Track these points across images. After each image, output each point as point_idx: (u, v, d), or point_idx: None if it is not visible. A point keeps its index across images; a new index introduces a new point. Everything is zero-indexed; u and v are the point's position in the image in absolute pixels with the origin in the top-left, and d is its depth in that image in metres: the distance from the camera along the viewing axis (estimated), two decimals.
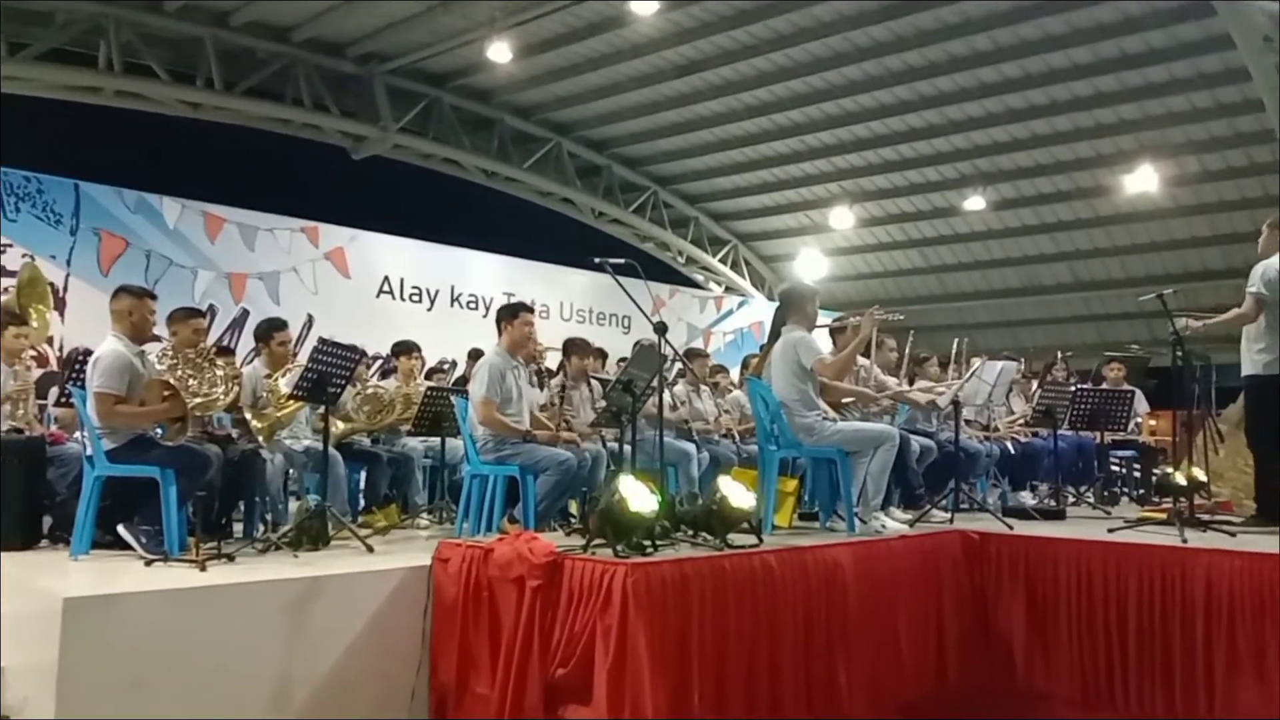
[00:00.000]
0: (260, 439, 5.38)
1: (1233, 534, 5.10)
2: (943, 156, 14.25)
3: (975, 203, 14.54)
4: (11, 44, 10.30)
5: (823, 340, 5.86)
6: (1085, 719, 4.73)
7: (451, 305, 11.52)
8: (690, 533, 4.34)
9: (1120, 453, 8.32)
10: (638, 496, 3.89)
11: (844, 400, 5.81)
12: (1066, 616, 4.87)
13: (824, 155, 14.89)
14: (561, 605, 3.90)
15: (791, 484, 5.45)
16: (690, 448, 6.78)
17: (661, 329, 4.56)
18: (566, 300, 12.79)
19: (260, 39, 11.87)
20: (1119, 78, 11.61)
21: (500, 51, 11.07)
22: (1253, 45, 9.15)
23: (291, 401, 5.36)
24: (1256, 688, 4.30)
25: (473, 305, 11.73)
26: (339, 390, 5.22)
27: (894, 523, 5.15)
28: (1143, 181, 12.82)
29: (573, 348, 6.66)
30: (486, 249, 12.40)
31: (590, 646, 3.72)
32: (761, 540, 4.42)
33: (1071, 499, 7.42)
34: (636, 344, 6.24)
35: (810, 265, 18.00)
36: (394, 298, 10.97)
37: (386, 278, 10.97)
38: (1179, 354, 5.42)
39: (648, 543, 4.00)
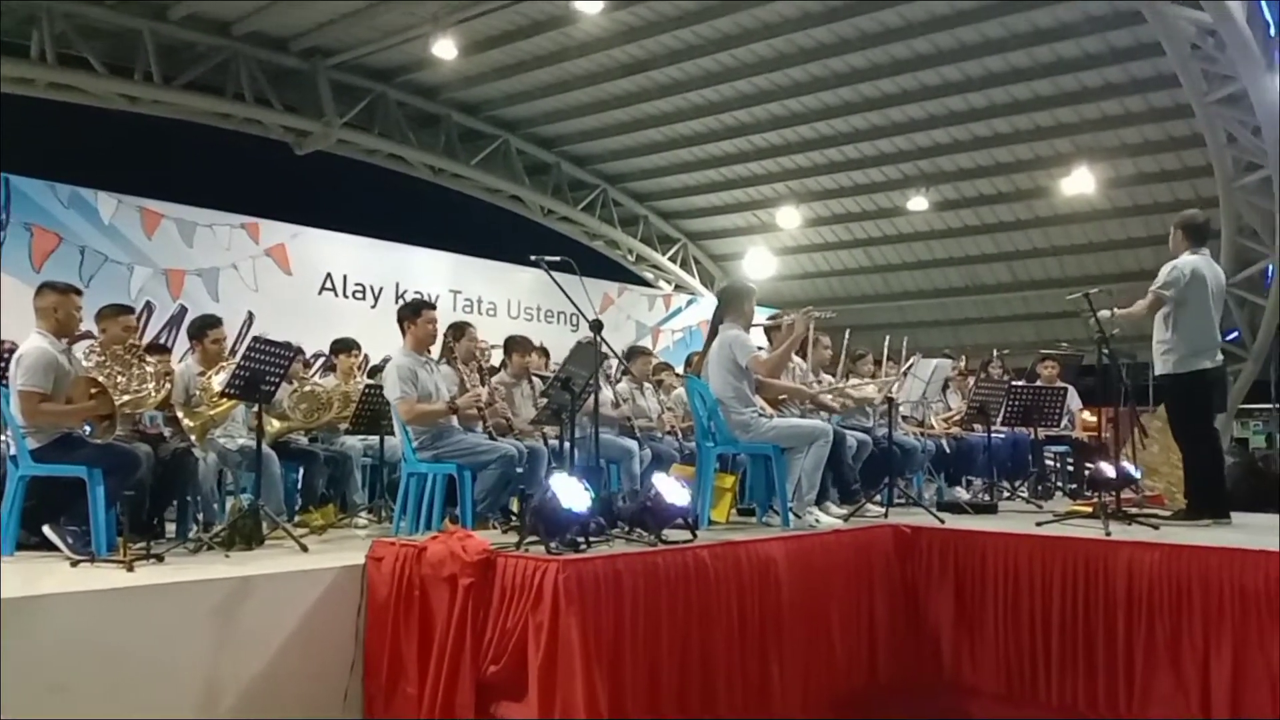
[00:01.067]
0: (193, 438, 5.31)
1: (1156, 527, 5.27)
2: (886, 158, 14.46)
3: (918, 203, 14.76)
4: None
5: (759, 338, 5.94)
6: (1009, 715, 4.84)
7: (396, 303, 11.37)
8: (626, 529, 4.37)
9: (1054, 448, 8.51)
10: (570, 494, 3.91)
11: (780, 397, 5.88)
12: (994, 610, 4.98)
13: (770, 155, 15.02)
14: (494, 603, 3.91)
15: (729, 480, 5.52)
16: (632, 445, 6.82)
17: (597, 327, 4.59)
18: (514, 298, 12.76)
19: (200, 32, 11.69)
20: (1054, 82, 11.87)
21: (445, 48, 11.01)
22: (1180, 51, 9.41)
23: (225, 400, 5.29)
24: (1173, 681, 4.43)
25: None
26: (273, 388, 5.17)
27: (828, 517, 5.23)
28: (1079, 184, 13.12)
29: (514, 345, 6.67)
30: (433, 246, 12.33)
31: (522, 644, 3.74)
32: (696, 536, 4.47)
33: (1006, 494, 7.60)
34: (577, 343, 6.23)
35: (758, 264, 18.13)
36: (337, 295, 10.86)
37: (329, 275, 10.85)
38: (1105, 352, 5.56)
39: (581, 540, 4.02)
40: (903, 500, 6.18)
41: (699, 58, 12.17)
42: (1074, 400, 8.70)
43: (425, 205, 14.53)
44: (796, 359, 5.99)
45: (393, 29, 11.59)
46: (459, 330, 6.03)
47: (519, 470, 5.38)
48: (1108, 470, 8.42)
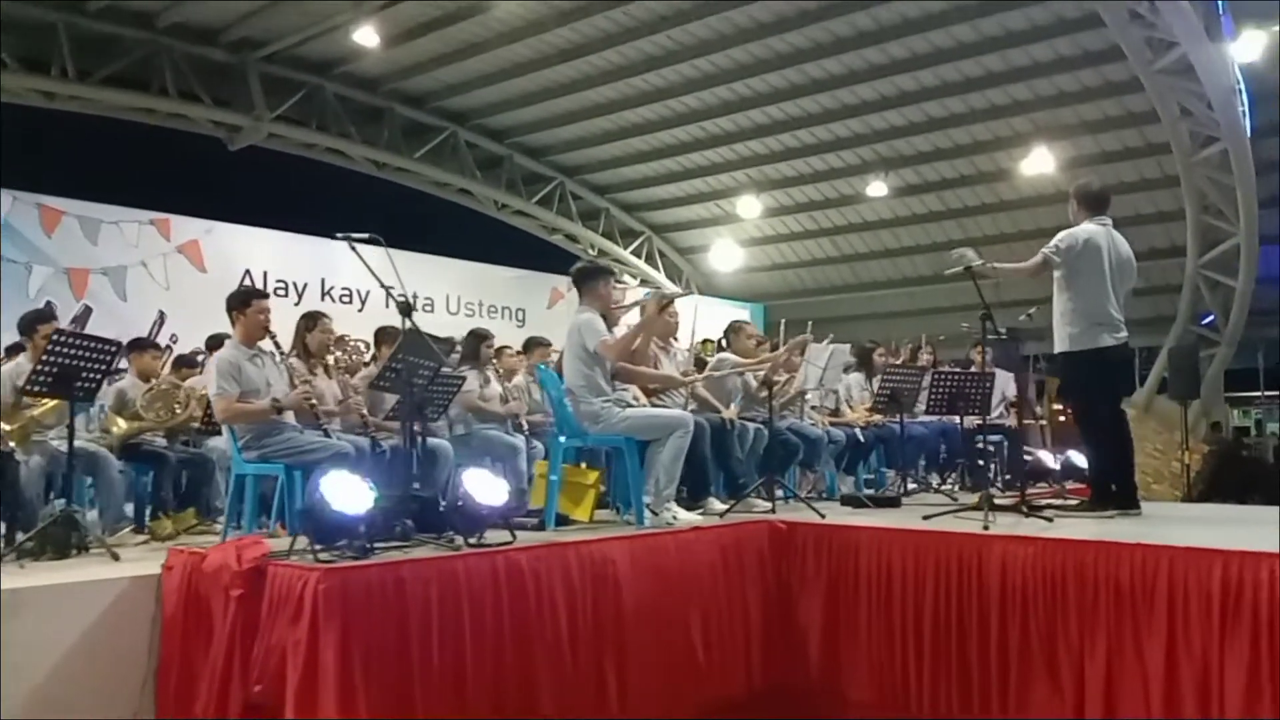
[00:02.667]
0: (12, 442, 4.94)
1: (1050, 520, 4.86)
2: (842, 142, 14.03)
3: (877, 188, 14.34)
4: None
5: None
6: None
7: (322, 299, 11.05)
8: (436, 534, 3.97)
9: (990, 437, 8.07)
10: (343, 495, 3.51)
11: (651, 386, 5.48)
12: (865, 611, 4.58)
13: (725, 142, 14.62)
14: (263, 616, 3.52)
15: (592, 476, 5.10)
16: (519, 441, 6.42)
17: (405, 309, 4.20)
18: (453, 293, 12.38)
19: (121, 25, 11.33)
20: (1004, 56, 11.44)
21: (367, 35, 10.64)
22: (1118, 18, 8.97)
23: (42, 399, 4.92)
24: (1048, 682, 4.04)
25: (346, 299, 11.27)
26: (92, 385, 4.78)
27: (687, 514, 4.82)
28: (1039, 163, 12.67)
29: (384, 337, 6.27)
30: (367, 242, 11.91)
31: (283, 662, 3.35)
32: (515, 537, 4.06)
33: (937, 484, 7.20)
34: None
35: (725, 256, 17.76)
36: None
37: (248, 271, 10.47)
38: (989, 326, 5.16)
39: (366, 546, 3.62)
40: (787, 495, 5.76)
41: (635, 40, 11.78)
42: (1009, 387, 8.27)
43: (366, 201, 14.14)
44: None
45: (317, 17, 11.20)
46: (311, 320, 5.63)
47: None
48: (1048, 460, 8.08)
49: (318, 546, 3.50)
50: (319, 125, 13.16)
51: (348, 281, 11.28)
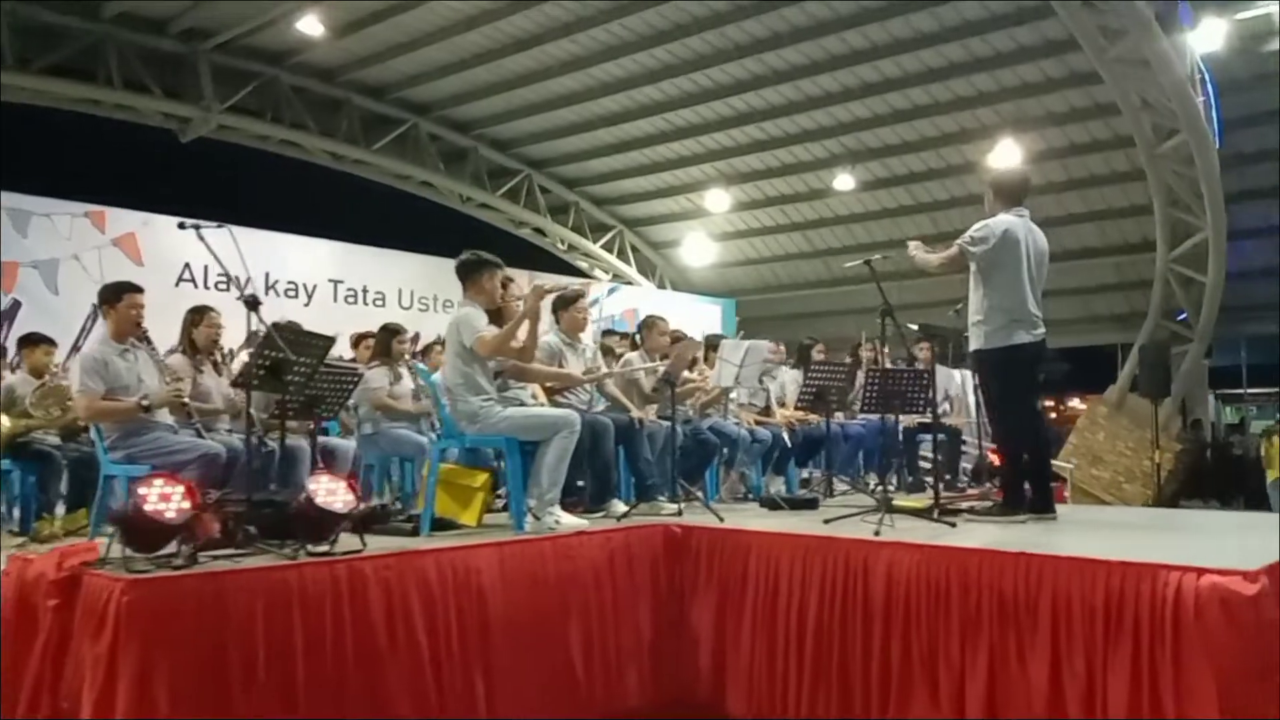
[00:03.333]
0: None
1: (953, 525, 4.64)
2: (808, 134, 13.80)
3: (845, 182, 14.10)
4: None
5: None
6: None
7: (267, 293, 10.79)
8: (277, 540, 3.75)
9: (930, 436, 7.86)
10: (163, 499, 3.30)
11: (548, 385, 5.25)
12: (750, 619, 4.38)
13: (691, 135, 14.39)
14: (75, 628, 3.31)
15: (480, 477, 4.88)
16: (425, 441, 6.20)
17: (251, 302, 3.99)
18: (405, 287, 12.13)
19: (65, 15, 11.10)
20: (965, 46, 11.20)
21: (311, 25, 10.41)
22: (1071, 8, 8.72)
23: None
24: (927, 695, 3.83)
25: (291, 293, 11.05)
26: None
27: (571, 518, 4.60)
28: (1006, 156, 12.40)
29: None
30: (320, 235, 11.70)
31: (83, 680, 3.14)
32: (365, 545, 3.85)
33: (872, 486, 6.98)
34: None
35: (697, 250, 17.54)
36: (196, 286, 10.22)
37: (188, 265, 10.23)
38: (889, 323, 4.95)
39: (194, 554, 3.41)
40: (706, 498, 5.57)
41: (591, 29, 11.54)
42: (952, 384, 8.06)
43: (313, 192, 13.92)
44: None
45: (264, 5, 10.98)
46: (197, 315, 5.42)
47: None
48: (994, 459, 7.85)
49: (137, 554, 3.28)
50: (274, 116, 12.94)
51: (294, 275, 11.06)
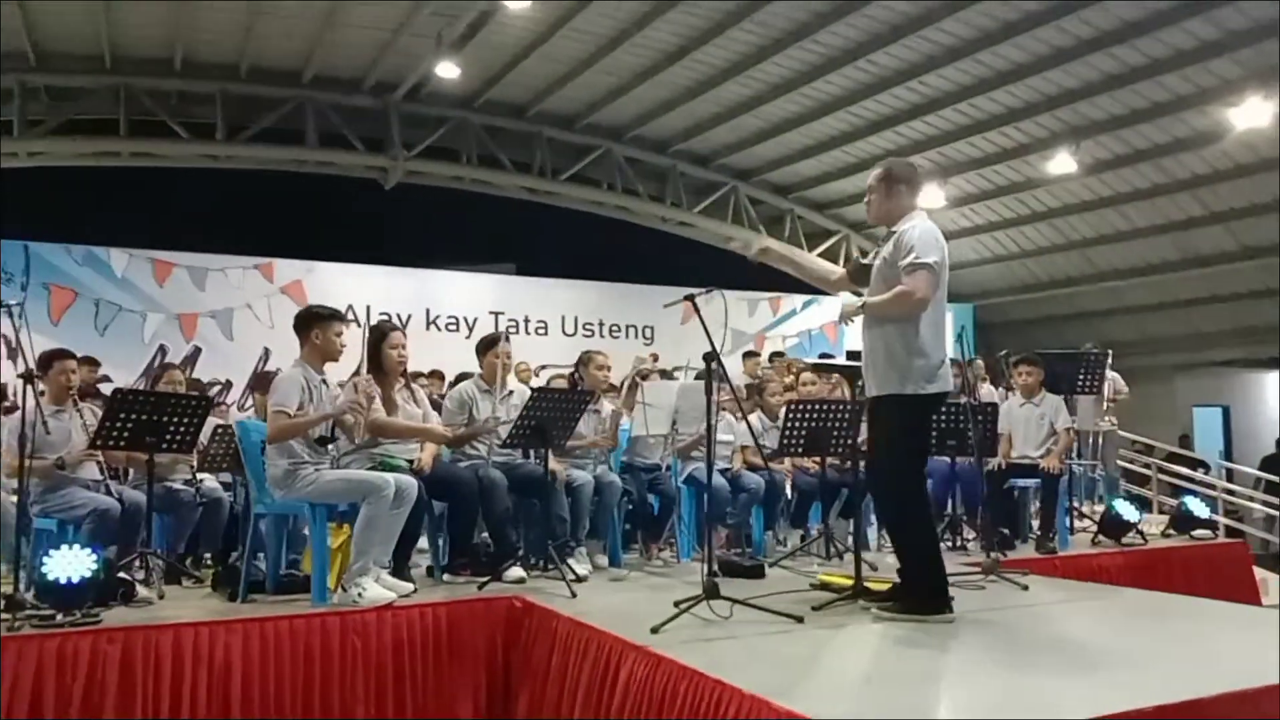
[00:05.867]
0: None
1: (801, 619, 3.70)
2: (1028, 110, 11.86)
3: (1063, 163, 12.08)
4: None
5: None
6: None
7: (428, 329, 11.36)
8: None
9: (1022, 481, 6.45)
10: None
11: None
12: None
13: (891, 125, 13.03)
14: None
15: (340, 536, 4.67)
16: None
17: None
18: (570, 314, 12.19)
19: (269, 85, 12.39)
20: None
21: (447, 69, 10.80)
22: None
23: None
24: None
25: (453, 327, 11.50)
26: None
27: (379, 591, 4.19)
28: (1252, 115, 9.98)
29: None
30: (492, 268, 12.13)
31: None
32: (99, 619, 3.77)
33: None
34: None
35: None
36: (360, 325, 10.93)
37: (350, 306, 10.97)
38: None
39: None
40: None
41: (737, 26, 10.84)
42: (1060, 416, 6.57)
43: (486, 227, 14.30)
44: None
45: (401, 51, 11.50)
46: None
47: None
48: (1130, 511, 6.33)
49: None
50: (467, 158, 13.57)
51: (453, 310, 11.51)
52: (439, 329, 11.43)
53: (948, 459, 6.38)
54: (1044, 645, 3.56)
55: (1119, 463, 10.53)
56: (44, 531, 4.86)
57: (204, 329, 10.38)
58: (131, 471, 5.53)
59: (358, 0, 10.30)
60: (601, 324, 12.33)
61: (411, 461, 4.86)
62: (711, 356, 4.15)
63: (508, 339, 5.46)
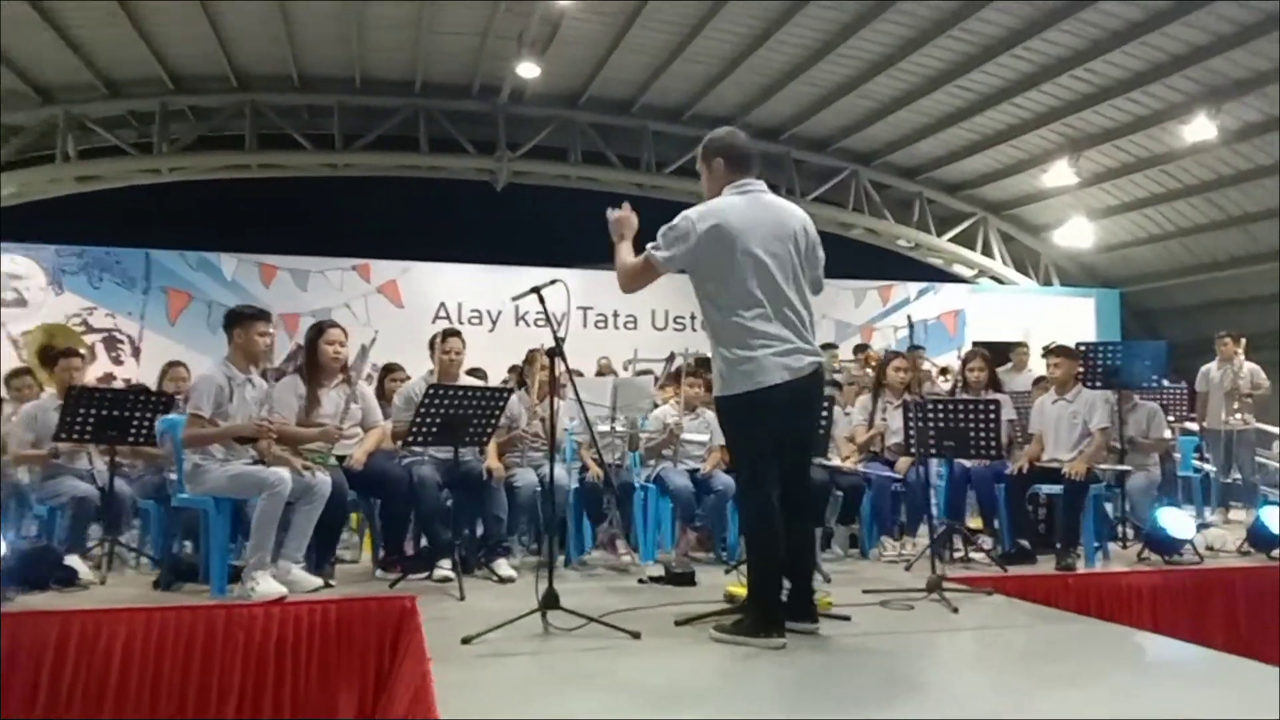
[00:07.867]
0: None
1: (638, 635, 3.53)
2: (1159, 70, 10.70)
3: (1202, 128, 10.84)
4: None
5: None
6: None
7: (516, 325, 11.61)
8: None
9: (1046, 488, 5.85)
10: None
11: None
12: None
13: (1004, 98, 12.11)
14: None
15: None
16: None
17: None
18: (659, 307, 12.12)
19: (385, 95, 13.03)
20: None
21: (528, 69, 10.97)
22: None
23: None
24: None
25: (541, 323, 11.64)
26: None
27: (271, 585, 4.30)
28: None
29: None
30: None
31: None
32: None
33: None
34: None
35: (1074, 233, 14.78)
36: (451, 322, 11.35)
37: (443, 304, 11.42)
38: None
39: None
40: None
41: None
42: (1095, 413, 5.93)
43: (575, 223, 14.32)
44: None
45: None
46: None
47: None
48: (1180, 524, 5.70)
49: None
50: (574, 157, 13.76)
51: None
52: (528, 324, 11.64)
53: (965, 462, 5.92)
54: (846, 682, 3.14)
55: (1261, 460, 9.39)
56: (38, 517, 5.34)
57: (306, 328, 11.02)
58: (140, 464, 5.97)
59: (440, 1, 10.59)
60: (693, 317, 12.16)
61: (343, 458, 5.00)
62: (555, 351, 4.05)
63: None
